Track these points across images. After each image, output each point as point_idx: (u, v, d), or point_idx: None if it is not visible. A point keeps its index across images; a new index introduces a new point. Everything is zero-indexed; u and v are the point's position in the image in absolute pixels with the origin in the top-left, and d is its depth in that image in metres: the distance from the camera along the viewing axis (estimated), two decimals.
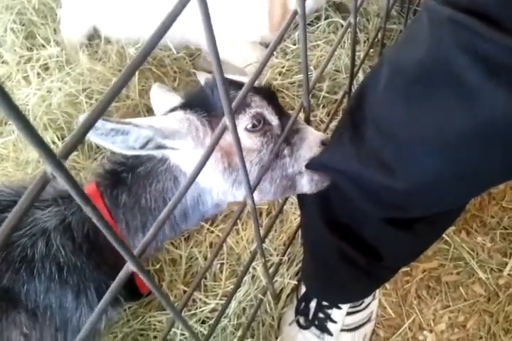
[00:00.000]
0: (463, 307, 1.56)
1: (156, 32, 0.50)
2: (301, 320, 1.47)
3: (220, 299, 1.48)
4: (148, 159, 1.05)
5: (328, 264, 1.31)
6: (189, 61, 2.07)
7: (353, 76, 1.47)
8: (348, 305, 1.45)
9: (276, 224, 1.62)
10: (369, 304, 1.49)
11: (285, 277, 1.53)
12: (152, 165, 1.05)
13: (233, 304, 1.45)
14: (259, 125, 1.04)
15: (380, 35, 1.75)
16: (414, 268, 1.63)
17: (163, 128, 0.94)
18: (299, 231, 1.54)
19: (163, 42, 1.94)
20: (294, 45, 2.06)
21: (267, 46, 2.05)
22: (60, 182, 0.44)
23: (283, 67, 1.98)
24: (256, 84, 1.03)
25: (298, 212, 1.58)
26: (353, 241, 1.19)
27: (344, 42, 2.06)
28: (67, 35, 2.07)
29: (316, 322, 1.45)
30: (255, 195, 1.03)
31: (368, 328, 1.49)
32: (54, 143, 1.72)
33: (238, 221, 1.61)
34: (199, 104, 1.03)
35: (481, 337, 1.51)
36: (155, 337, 1.46)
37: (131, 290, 1.08)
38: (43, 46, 2.04)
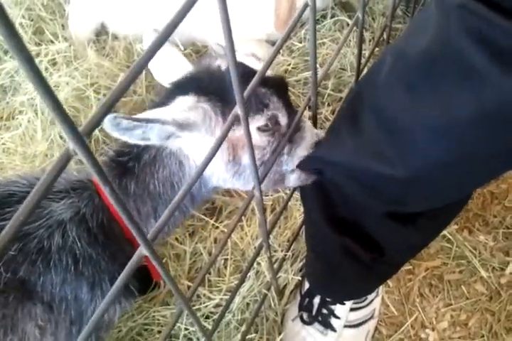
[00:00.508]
0: (465, 305, 1.57)
1: (165, 29, 0.51)
2: (305, 315, 1.48)
3: (224, 294, 1.49)
4: (152, 145, 1.06)
5: (331, 261, 1.31)
6: (196, 58, 2.08)
7: (359, 74, 1.48)
8: (352, 301, 1.46)
9: (280, 221, 1.63)
10: (372, 301, 1.50)
11: (289, 273, 1.54)
12: (156, 150, 1.06)
13: (237, 299, 1.46)
14: (271, 125, 1.06)
15: (385, 35, 1.76)
16: (416, 267, 1.64)
17: (183, 122, 0.96)
18: (303, 228, 1.55)
19: (171, 39, 1.95)
20: (300, 42, 2.07)
21: (273, 44, 2.06)
22: (82, 159, 0.45)
23: (289, 64, 1.99)
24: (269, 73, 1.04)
25: (302, 209, 1.59)
26: (355, 236, 1.20)
27: (350, 40, 2.07)
28: (75, 31, 2.08)
29: (320, 318, 1.46)
30: (248, 186, 1.09)
31: (371, 325, 1.50)
32: (61, 137, 1.73)
33: (243, 217, 1.62)
34: (215, 91, 1.03)
35: (482, 336, 1.52)
36: (159, 332, 1.47)
37: (143, 281, 1.09)
38: (51, 41, 2.05)
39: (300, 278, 1.54)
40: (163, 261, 1.56)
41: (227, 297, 1.46)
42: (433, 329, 1.54)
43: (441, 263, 1.65)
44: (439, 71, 0.82)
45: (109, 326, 1.10)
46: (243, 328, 1.42)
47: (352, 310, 1.47)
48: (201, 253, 1.59)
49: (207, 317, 1.48)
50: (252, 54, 1.88)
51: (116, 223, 1.05)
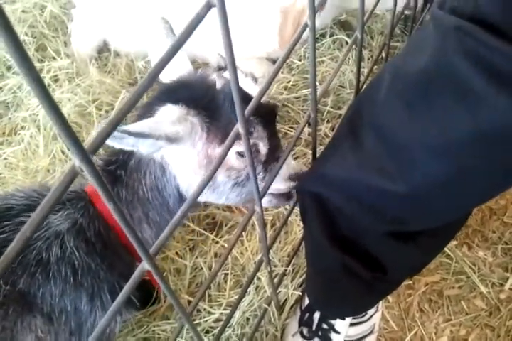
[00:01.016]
0: (464, 321, 1.57)
1: (170, 48, 0.52)
2: (305, 331, 1.47)
3: (225, 309, 1.49)
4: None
5: (331, 277, 1.31)
6: None
7: (357, 92, 1.50)
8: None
9: (280, 236, 1.64)
10: (372, 316, 1.50)
11: (289, 288, 1.54)
12: (140, 155, 1.08)
13: (237, 314, 1.46)
14: None
15: (384, 53, 1.79)
16: (416, 282, 1.65)
17: (172, 136, 0.98)
18: (304, 243, 1.56)
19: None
20: (300, 60, 2.10)
21: (273, 62, 2.09)
22: (87, 176, 0.46)
23: (288, 81, 2.02)
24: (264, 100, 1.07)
25: (302, 224, 1.60)
26: (356, 254, 1.20)
27: (349, 58, 2.10)
28: (78, 48, 2.11)
29: (320, 333, 1.46)
30: (220, 200, 1.17)
31: (371, 340, 1.50)
32: (63, 153, 1.75)
33: (243, 232, 1.63)
34: (206, 106, 1.06)
35: None
36: None
37: (143, 290, 1.09)
38: (54, 58, 2.08)
39: (300, 293, 1.55)
40: (164, 275, 1.56)
41: (227, 311, 1.46)
42: None
43: (440, 279, 1.65)
44: (436, 91, 0.83)
45: (110, 338, 1.10)
46: None
47: (352, 325, 1.47)
48: (201, 268, 1.59)
49: (207, 332, 1.48)
50: (250, 73, 1.91)
51: (112, 230, 1.07)
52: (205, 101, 1.06)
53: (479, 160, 0.84)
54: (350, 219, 1.11)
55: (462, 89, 0.78)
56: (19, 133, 1.87)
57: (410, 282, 1.64)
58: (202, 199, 1.16)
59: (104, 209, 1.06)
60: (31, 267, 0.98)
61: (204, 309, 1.50)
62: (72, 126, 1.77)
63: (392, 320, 1.57)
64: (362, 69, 1.95)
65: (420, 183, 0.91)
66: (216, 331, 1.44)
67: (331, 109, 1.95)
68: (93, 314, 1.03)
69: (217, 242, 1.64)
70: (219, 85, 1.09)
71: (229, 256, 1.58)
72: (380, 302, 1.54)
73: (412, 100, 0.88)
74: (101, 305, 1.04)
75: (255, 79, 1.17)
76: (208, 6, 0.53)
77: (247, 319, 1.48)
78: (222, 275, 1.57)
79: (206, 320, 1.48)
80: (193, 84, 1.11)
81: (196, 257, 1.61)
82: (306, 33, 0.92)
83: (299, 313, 1.51)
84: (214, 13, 0.55)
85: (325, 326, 1.46)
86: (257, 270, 1.23)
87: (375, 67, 1.91)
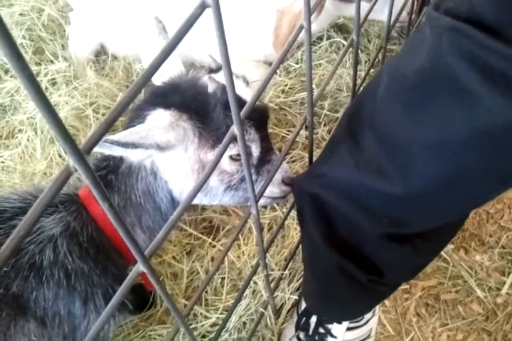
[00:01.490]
0: (461, 325, 1.57)
1: (163, 51, 0.52)
2: (302, 335, 1.47)
3: (221, 313, 1.49)
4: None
5: (328, 281, 1.31)
6: None
7: (354, 95, 1.50)
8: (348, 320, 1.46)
9: (277, 239, 1.64)
10: (369, 320, 1.49)
11: (286, 292, 1.54)
12: (131, 161, 1.08)
13: (234, 318, 1.46)
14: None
15: (380, 56, 1.79)
16: (413, 286, 1.64)
17: (164, 145, 0.97)
18: (300, 247, 1.55)
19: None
20: (297, 64, 2.10)
21: (270, 65, 2.09)
22: (81, 175, 0.46)
23: (286, 85, 2.02)
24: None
25: (299, 228, 1.60)
26: (352, 257, 1.20)
27: (346, 61, 2.10)
28: (75, 51, 2.11)
29: (317, 337, 1.45)
30: (213, 202, 1.18)
31: None
32: (60, 156, 1.75)
33: (240, 236, 1.62)
34: (197, 110, 1.05)
35: None
36: None
37: (138, 294, 1.09)
38: (51, 61, 2.08)
39: (297, 298, 1.54)
40: (160, 279, 1.56)
41: (223, 316, 1.46)
42: None
43: (437, 283, 1.65)
44: (433, 91, 0.84)
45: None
46: None
47: (349, 329, 1.46)
48: (198, 272, 1.59)
49: (203, 337, 1.47)
50: (242, 75, 1.91)
51: (105, 235, 1.06)
52: (197, 105, 1.05)
53: (476, 160, 0.84)
54: (348, 220, 1.10)
55: (458, 89, 0.78)
56: (16, 137, 1.87)
57: (407, 286, 1.63)
58: (195, 202, 1.15)
59: (97, 213, 1.06)
60: (24, 271, 0.98)
61: (200, 313, 1.50)
62: (70, 129, 1.78)
63: (389, 325, 1.57)
64: (359, 72, 1.96)
65: (418, 184, 0.91)
66: (212, 335, 1.44)
67: (328, 112, 1.95)
68: (87, 318, 1.03)
69: (214, 246, 1.64)
70: (210, 89, 1.09)
71: (226, 260, 1.58)
72: (377, 307, 1.54)
73: (409, 101, 0.89)
74: (94, 309, 1.03)
75: (247, 82, 1.17)
76: (203, 7, 0.53)
77: (244, 323, 1.48)
78: (219, 280, 1.57)
79: (203, 325, 1.47)
80: (184, 88, 1.10)
81: (193, 261, 1.61)
82: (303, 36, 0.92)
83: (295, 317, 1.51)
84: (210, 14, 0.55)
85: (322, 330, 1.46)
86: (253, 274, 1.23)
87: (372, 70, 1.91)
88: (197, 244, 1.65)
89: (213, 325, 1.48)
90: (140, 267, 0.61)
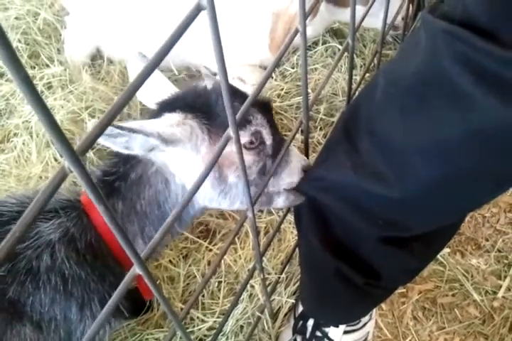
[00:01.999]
0: (458, 329, 1.57)
1: (158, 53, 0.52)
2: (299, 338, 1.47)
3: (218, 317, 1.48)
4: (137, 162, 1.06)
5: (325, 284, 1.31)
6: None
7: (350, 99, 1.51)
8: (345, 323, 1.46)
9: (274, 243, 1.64)
10: (366, 323, 1.49)
11: (283, 296, 1.54)
12: (142, 168, 1.06)
13: (231, 322, 1.45)
14: (256, 143, 1.06)
15: (376, 60, 1.80)
16: (410, 290, 1.64)
17: (169, 137, 0.95)
18: (297, 250, 1.55)
19: (165, 63, 1.98)
20: (293, 68, 2.11)
21: (266, 69, 2.09)
22: (76, 176, 0.46)
23: (281, 89, 2.03)
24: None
25: (296, 231, 1.60)
26: (349, 260, 1.20)
27: (341, 66, 2.11)
28: (71, 55, 2.11)
29: None
30: (233, 206, 1.10)
31: None
32: (56, 160, 1.74)
33: (236, 239, 1.62)
34: (201, 108, 1.04)
35: None
36: None
37: (134, 301, 1.08)
38: (47, 65, 2.08)
39: (294, 301, 1.54)
40: (157, 283, 1.55)
41: (220, 319, 1.45)
42: None
43: (434, 287, 1.65)
44: (428, 94, 0.84)
45: None
46: None
47: (346, 332, 1.46)
48: (195, 276, 1.58)
49: (200, 340, 1.47)
50: (238, 77, 1.91)
51: (105, 243, 1.05)
52: (200, 104, 1.04)
53: (472, 162, 0.84)
54: (345, 223, 1.11)
55: (453, 92, 0.79)
56: (12, 141, 1.86)
57: (404, 290, 1.63)
58: (213, 206, 1.11)
59: (98, 219, 1.04)
60: (21, 275, 0.97)
61: (197, 317, 1.50)
62: (65, 133, 1.78)
63: (385, 328, 1.56)
64: (354, 77, 1.97)
65: (414, 187, 0.92)
66: (209, 339, 1.43)
67: (324, 117, 1.96)
68: (83, 323, 1.02)
69: (210, 250, 1.64)
70: (209, 85, 1.08)
71: (222, 264, 1.58)
72: (374, 310, 1.54)
73: (405, 104, 0.89)
74: (91, 314, 1.02)
75: (243, 81, 1.16)
76: (198, 9, 0.53)
77: (241, 327, 1.47)
78: (216, 283, 1.57)
79: (199, 328, 1.47)
80: (185, 93, 1.10)
81: (189, 265, 1.61)
82: (298, 39, 0.92)
83: (292, 321, 1.51)
84: (206, 18, 0.55)
85: (319, 334, 1.46)
86: (250, 277, 1.23)
87: (367, 74, 1.92)
88: (193, 247, 1.65)
89: (210, 328, 1.47)
90: (136, 270, 0.61)
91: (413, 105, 0.87)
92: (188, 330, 1.47)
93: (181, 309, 1.52)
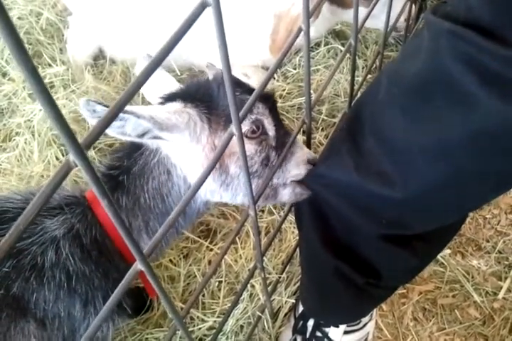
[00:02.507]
0: (458, 330, 1.57)
1: (163, 49, 0.52)
2: (299, 338, 1.47)
3: (218, 317, 1.48)
4: (140, 155, 1.06)
5: (325, 284, 1.31)
6: None
7: (352, 100, 1.51)
8: (346, 324, 1.46)
9: (274, 243, 1.64)
10: (366, 324, 1.49)
11: (283, 296, 1.54)
12: (144, 160, 1.06)
13: (231, 321, 1.45)
14: (258, 132, 1.06)
15: (378, 62, 1.80)
16: (410, 290, 1.64)
17: (163, 121, 0.95)
18: (298, 251, 1.55)
19: (167, 64, 1.98)
20: (295, 69, 2.12)
21: (268, 70, 2.10)
22: (81, 170, 0.46)
23: (283, 90, 2.03)
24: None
25: (296, 231, 1.60)
26: (350, 260, 1.20)
27: (343, 67, 2.11)
28: (73, 55, 2.12)
29: None
30: (236, 199, 1.09)
31: None
32: (57, 158, 1.74)
33: (237, 239, 1.62)
34: (202, 97, 1.04)
35: None
36: None
37: (136, 300, 1.08)
38: (49, 65, 2.08)
39: (294, 301, 1.54)
40: None
41: (220, 319, 1.45)
42: None
43: (434, 287, 1.65)
44: (431, 94, 0.84)
45: None
46: None
47: (346, 333, 1.46)
48: (195, 276, 1.58)
49: (200, 340, 1.47)
50: (243, 73, 1.90)
51: (110, 240, 1.05)
52: (201, 94, 1.04)
53: (474, 161, 0.85)
54: (346, 221, 1.11)
55: (456, 92, 0.79)
56: (14, 139, 1.86)
57: (404, 291, 1.64)
58: (215, 199, 1.10)
59: (102, 215, 1.04)
60: (26, 272, 0.97)
61: (197, 317, 1.50)
62: None
63: (386, 329, 1.56)
64: (356, 78, 1.97)
65: (418, 187, 0.92)
66: (209, 339, 1.43)
67: (326, 118, 1.96)
68: (86, 320, 1.02)
69: (211, 250, 1.64)
70: (211, 76, 1.08)
71: (223, 264, 1.58)
72: (374, 311, 1.54)
73: (408, 104, 0.89)
74: (94, 311, 1.02)
75: (247, 76, 1.16)
76: (203, 6, 0.53)
77: (241, 327, 1.47)
78: (216, 283, 1.57)
79: (200, 328, 1.47)
80: (187, 85, 1.11)
81: (190, 264, 1.61)
82: (300, 40, 0.92)
83: (292, 321, 1.51)
84: (210, 17, 0.55)
85: (319, 334, 1.46)
86: (250, 277, 1.23)
87: (369, 75, 1.92)
88: (194, 247, 1.65)
89: (210, 328, 1.48)
90: (138, 265, 0.61)
91: (416, 105, 0.87)
92: (188, 330, 1.47)
93: (181, 308, 1.52)
